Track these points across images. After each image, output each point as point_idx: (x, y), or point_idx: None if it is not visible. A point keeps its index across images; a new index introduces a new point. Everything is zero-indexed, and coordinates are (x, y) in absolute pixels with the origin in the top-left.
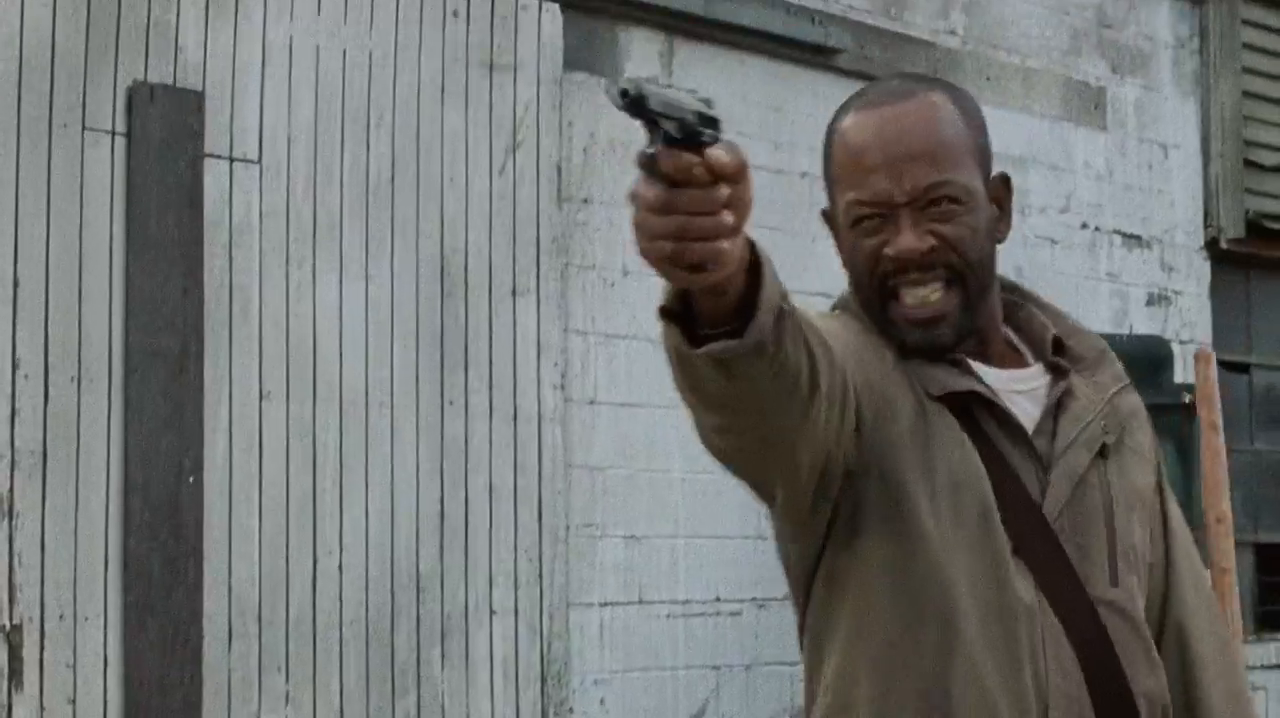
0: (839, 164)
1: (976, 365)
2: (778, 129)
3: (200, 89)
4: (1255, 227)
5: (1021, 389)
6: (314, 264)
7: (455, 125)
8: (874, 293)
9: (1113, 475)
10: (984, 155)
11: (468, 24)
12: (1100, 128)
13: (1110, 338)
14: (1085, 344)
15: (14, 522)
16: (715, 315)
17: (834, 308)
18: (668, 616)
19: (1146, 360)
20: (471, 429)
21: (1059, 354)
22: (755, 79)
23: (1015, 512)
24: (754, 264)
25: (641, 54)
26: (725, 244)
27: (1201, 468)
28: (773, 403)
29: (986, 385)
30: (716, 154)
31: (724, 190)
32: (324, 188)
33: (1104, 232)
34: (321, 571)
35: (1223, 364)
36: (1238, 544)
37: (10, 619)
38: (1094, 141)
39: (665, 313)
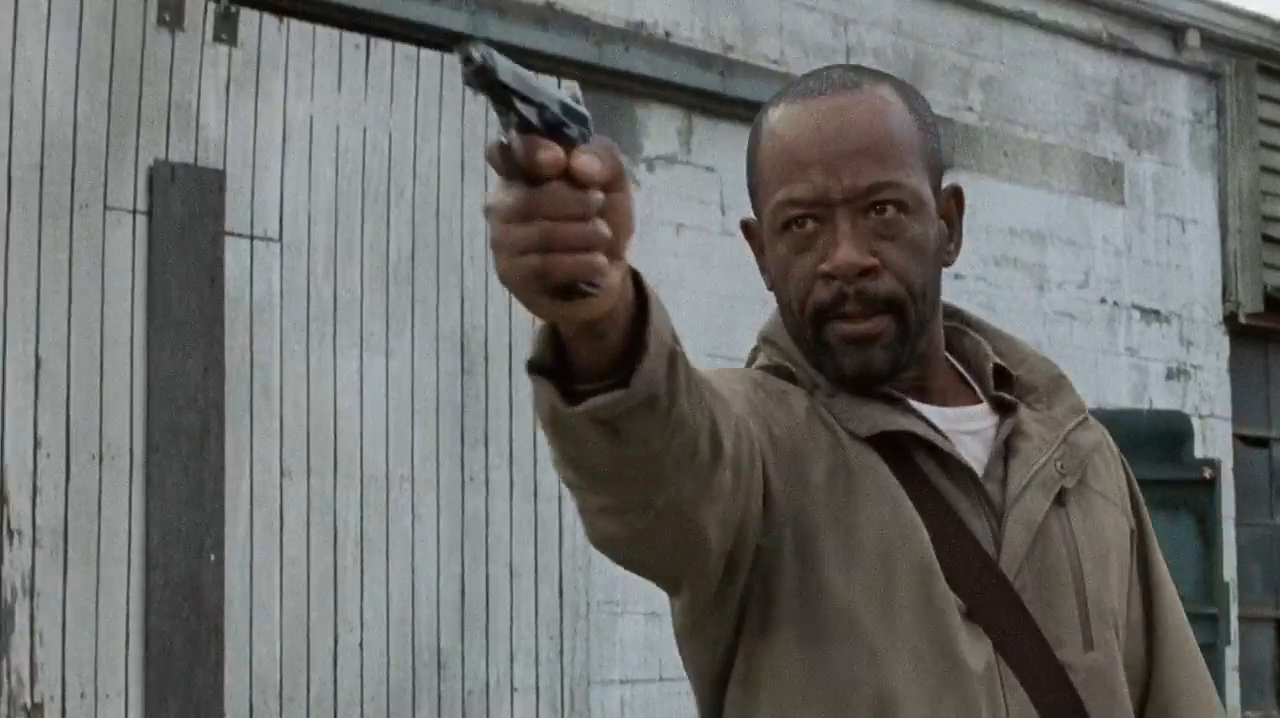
0: (767, 161)
1: (917, 404)
2: None
3: (221, 168)
4: (1274, 301)
5: (970, 429)
6: (334, 341)
7: (475, 202)
8: (808, 322)
9: (1076, 523)
10: (935, 161)
11: (487, 102)
12: (1118, 203)
13: (1130, 412)
14: (1037, 372)
15: (35, 600)
16: (595, 365)
17: (760, 339)
18: (689, 693)
19: (1166, 435)
20: (492, 506)
21: (1004, 387)
22: None
23: (965, 568)
24: (639, 303)
25: (660, 130)
26: (600, 259)
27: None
28: (670, 471)
29: (928, 423)
30: (583, 157)
31: (597, 194)
32: (344, 265)
33: (1123, 306)
34: (343, 648)
35: (1242, 438)
36: (1257, 619)
37: (31, 698)
38: (1112, 217)
39: (535, 368)
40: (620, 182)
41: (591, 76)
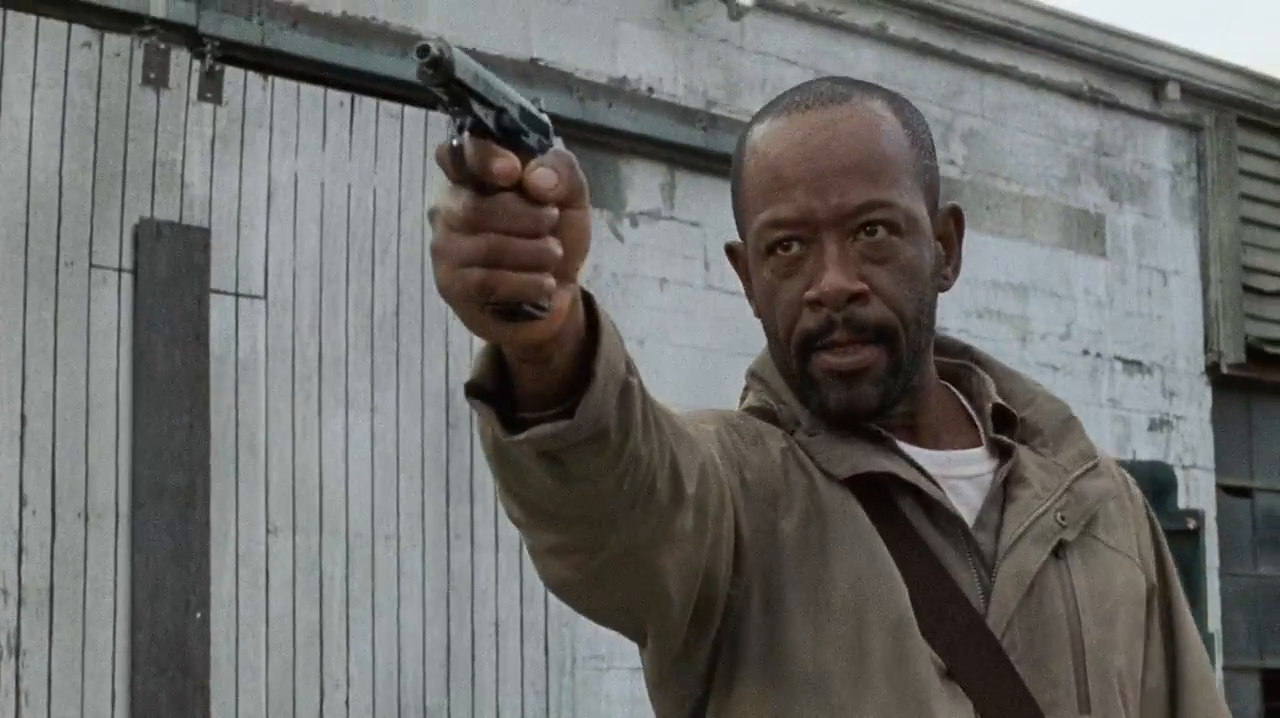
0: (750, 180)
1: (905, 445)
2: None
3: (206, 225)
4: (1255, 351)
5: (965, 474)
6: (320, 398)
7: None
8: (794, 351)
9: (1078, 577)
10: (930, 180)
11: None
12: (1100, 255)
13: None
14: (1045, 414)
15: (20, 659)
16: (540, 392)
17: (748, 375)
18: None
19: (1150, 486)
20: (477, 562)
21: (1007, 429)
22: None
23: (947, 623)
24: (590, 328)
25: (643, 186)
26: (548, 280)
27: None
28: (622, 512)
29: (913, 465)
30: (540, 170)
31: (551, 210)
32: (329, 322)
33: (1105, 358)
34: (328, 705)
35: (1225, 489)
36: (1243, 670)
37: None
38: (1094, 268)
39: (475, 391)
40: (578, 198)
41: (575, 132)
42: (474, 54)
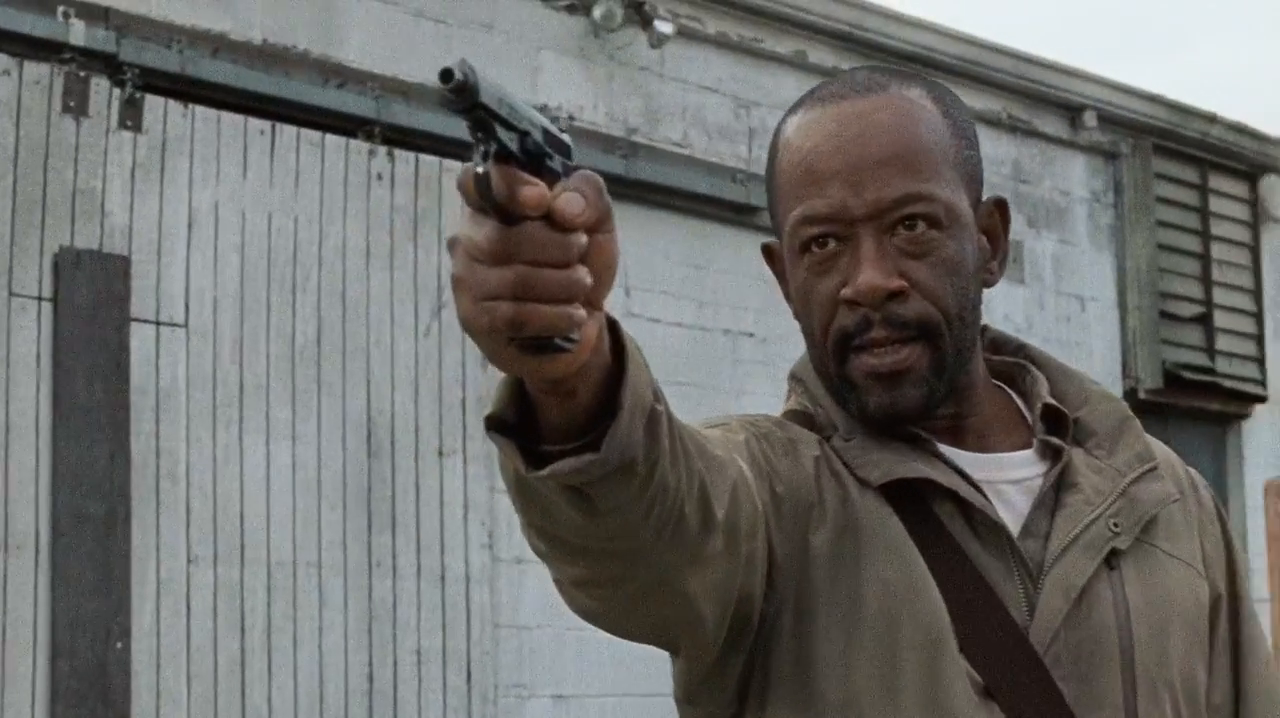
0: (783, 175)
1: (947, 448)
2: (700, 287)
3: (126, 254)
4: (1172, 377)
5: (1012, 478)
6: (241, 427)
7: (381, 288)
8: (831, 351)
9: (1131, 588)
10: (972, 171)
11: (392, 187)
12: (1018, 281)
13: None
14: (1100, 414)
15: None
16: (565, 424)
17: (789, 377)
18: None
19: None
20: (399, 590)
21: (1059, 430)
22: (677, 237)
23: (986, 637)
24: (615, 354)
25: None
26: (579, 311)
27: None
28: (649, 543)
29: (955, 469)
30: (567, 195)
31: (580, 237)
32: (250, 351)
33: None
34: None
35: None
36: None
37: None
38: (1012, 295)
39: (495, 424)
40: (605, 223)
41: None
42: (394, 82)
